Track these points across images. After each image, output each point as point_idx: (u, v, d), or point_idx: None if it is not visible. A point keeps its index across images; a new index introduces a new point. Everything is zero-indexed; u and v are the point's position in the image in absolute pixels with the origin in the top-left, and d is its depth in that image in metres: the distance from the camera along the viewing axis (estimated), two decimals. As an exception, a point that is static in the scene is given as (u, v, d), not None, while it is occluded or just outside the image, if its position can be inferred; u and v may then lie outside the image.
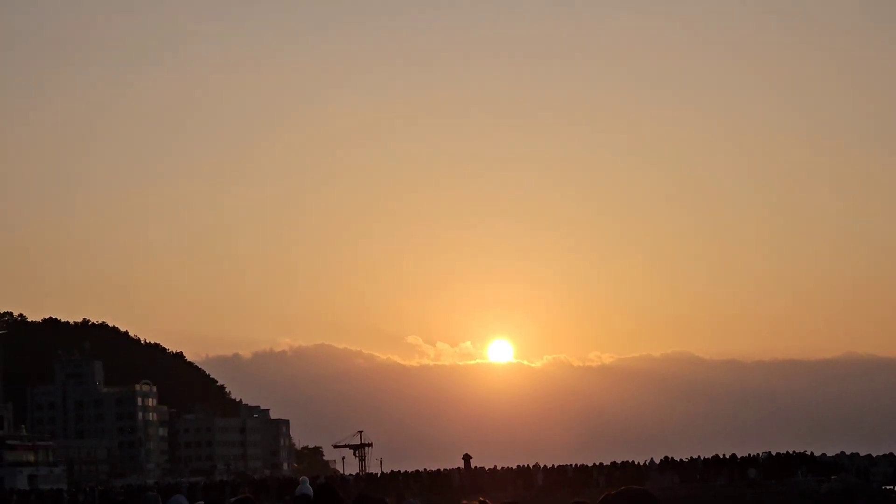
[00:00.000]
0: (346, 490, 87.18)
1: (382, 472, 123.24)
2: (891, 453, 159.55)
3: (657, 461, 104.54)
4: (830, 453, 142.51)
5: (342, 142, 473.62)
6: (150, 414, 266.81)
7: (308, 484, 18.94)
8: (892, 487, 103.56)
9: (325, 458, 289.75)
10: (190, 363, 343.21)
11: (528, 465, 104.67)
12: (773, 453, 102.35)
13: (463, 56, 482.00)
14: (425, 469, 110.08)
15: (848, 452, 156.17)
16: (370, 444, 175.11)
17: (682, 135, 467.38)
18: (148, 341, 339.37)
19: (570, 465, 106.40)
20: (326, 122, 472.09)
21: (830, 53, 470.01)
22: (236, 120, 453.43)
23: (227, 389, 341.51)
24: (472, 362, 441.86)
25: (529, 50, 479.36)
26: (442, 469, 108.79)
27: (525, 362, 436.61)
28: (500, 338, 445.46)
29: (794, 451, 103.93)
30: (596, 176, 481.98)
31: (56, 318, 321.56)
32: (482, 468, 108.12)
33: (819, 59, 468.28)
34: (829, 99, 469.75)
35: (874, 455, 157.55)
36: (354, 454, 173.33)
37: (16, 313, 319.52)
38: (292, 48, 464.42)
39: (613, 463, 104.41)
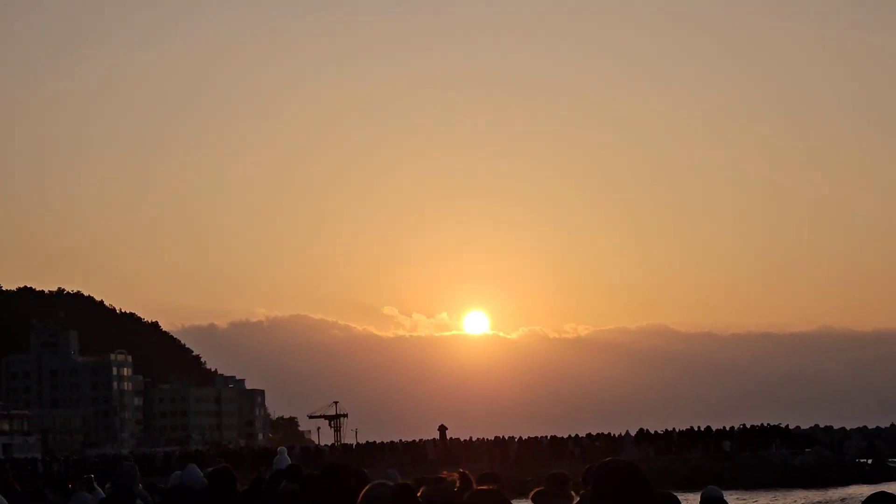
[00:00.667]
0: (321, 460, 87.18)
1: (358, 443, 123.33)
2: (864, 427, 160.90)
3: (632, 433, 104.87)
4: (805, 426, 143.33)
5: (322, 117, 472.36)
6: (125, 383, 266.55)
7: (286, 454, 18.88)
8: (865, 461, 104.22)
9: (300, 428, 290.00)
10: (165, 333, 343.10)
11: (503, 437, 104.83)
12: (748, 426, 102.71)
13: (441, 33, 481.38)
14: (401, 440, 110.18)
15: (822, 426, 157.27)
16: (345, 415, 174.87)
17: (660, 110, 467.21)
18: (123, 311, 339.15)
19: (545, 436, 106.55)
20: (309, 98, 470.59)
21: (811, 31, 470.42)
22: (220, 94, 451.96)
23: (202, 359, 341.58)
24: (448, 334, 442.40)
25: (507, 26, 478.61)
26: (417, 440, 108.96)
27: (501, 334, 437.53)
28: (476, 309, 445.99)
29: (768, 424, 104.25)
30: (573, 150, 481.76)
31: (31, 287, 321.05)
32: (458, 439, 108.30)
33: (799, 36, 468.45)
34: (809, 76, 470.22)
35: (848, 428, 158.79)
36: (330, 425, 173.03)
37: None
38: (280, 26, 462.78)
39: (589, 434, 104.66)
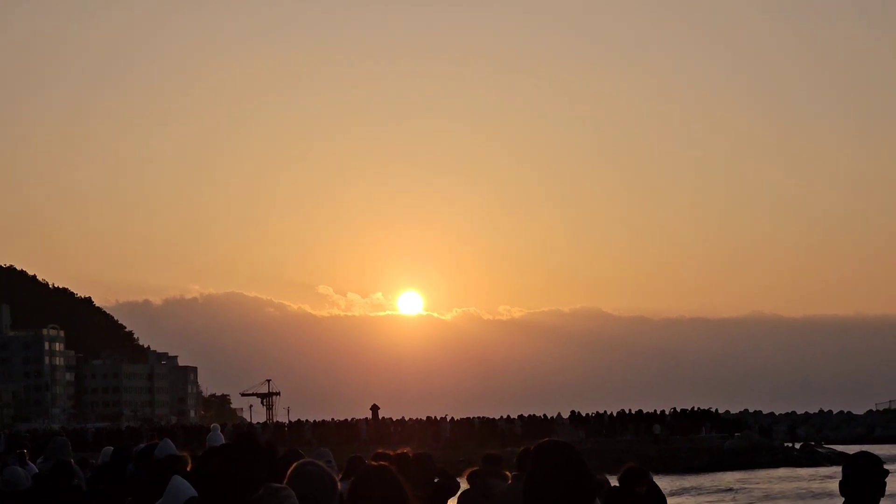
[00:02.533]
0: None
1: (290, 421, 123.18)
2: (793, 412, 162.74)
3: (564, 415, 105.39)
4: (734, 411, 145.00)
5: (255, 90, 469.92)
6: (57, 358, 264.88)
7: (220, 432, 18.88)
8: (792, 445, 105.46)
9: (232, 406, 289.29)
10: (98, 308, 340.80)
11: (435, 417, 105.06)
12: (679, 410, 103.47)
13: (375, 2, 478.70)
14: (333, 419, 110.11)
15: (751, 410, 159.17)
16: (278, 393, 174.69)
17: (607, 88, 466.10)
18: (56, 285, 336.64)
19: (477, 417, 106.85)
20: (241, 71, 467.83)
21: (775, 10, 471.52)
22: (151, 65, 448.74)
23: (135, 336, 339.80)
24: (383, 313, 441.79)
25: None
26: (350, 419, 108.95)
27: (435, 314, 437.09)
28: (411, 289, 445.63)
29: (698, 408, 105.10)
30: (514, 127, 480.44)
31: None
32: (390, 419, 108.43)
33: (762, 15, 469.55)
34: (759, 61, 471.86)
35: (777, 413, 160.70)
36: (262, 403, 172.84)
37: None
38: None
39: (521, 416, 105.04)
